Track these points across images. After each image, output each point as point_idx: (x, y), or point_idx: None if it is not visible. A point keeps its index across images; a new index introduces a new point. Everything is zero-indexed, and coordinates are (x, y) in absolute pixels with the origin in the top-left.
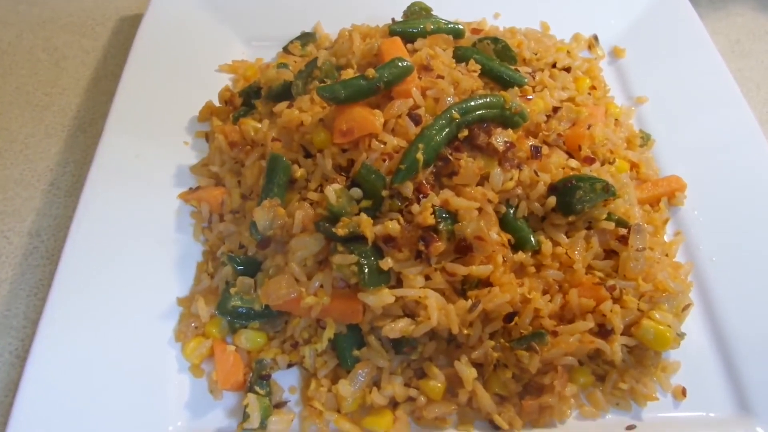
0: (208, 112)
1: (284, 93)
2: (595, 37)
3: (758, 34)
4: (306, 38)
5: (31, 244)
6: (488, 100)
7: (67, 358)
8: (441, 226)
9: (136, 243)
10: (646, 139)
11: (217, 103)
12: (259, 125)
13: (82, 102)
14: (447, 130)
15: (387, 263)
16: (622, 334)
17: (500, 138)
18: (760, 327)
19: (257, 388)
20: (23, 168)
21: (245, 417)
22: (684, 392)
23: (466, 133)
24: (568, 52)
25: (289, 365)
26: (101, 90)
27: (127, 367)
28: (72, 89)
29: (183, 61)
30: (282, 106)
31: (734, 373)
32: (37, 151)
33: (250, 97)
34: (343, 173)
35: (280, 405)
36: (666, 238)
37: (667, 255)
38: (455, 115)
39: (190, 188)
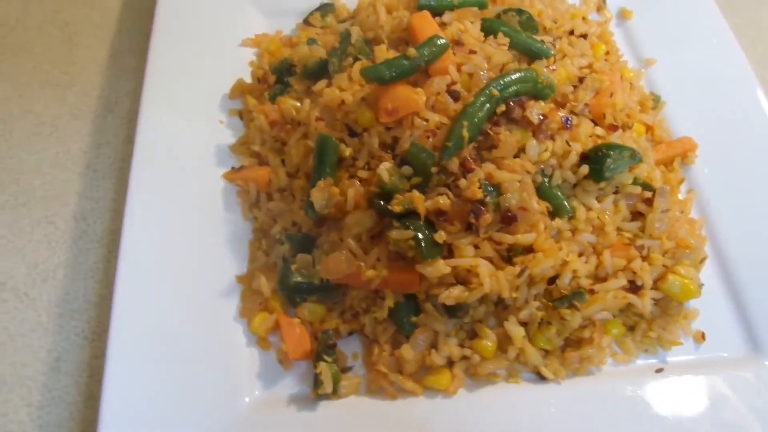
0: (239, 90)
1: (320, 70)
2: None
3: None
4: (326, 9)
5: (79, 228)
6: (523, 74)
7: (142, 342)
8: (488, 198)
9: (188, 225)
10: (656, 101)
11: (245, 79)
12: (299, 104)
13: (104, 80)
14: (488, 106)
15: (441, 236)
16: (650, 288)
17: (534, 111)
18: (767, 274)
19: (325, 357)
20: (57, 150)
21: (318, 384)
22: (703, 336)
23: (503, 108)
24: (583, 18)
25: (349, 333)
26: (121, 67)
27: (200, 345)
28: (90, 67)
29: (204, 37)
30: (321, 85)
31: (745, 317)
32: (67, 133)
33: (282, 74)
34: (388, 150)
35: (345, 370)
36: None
37: (682, 212)
38: (495, 91)
39: (233, 168)
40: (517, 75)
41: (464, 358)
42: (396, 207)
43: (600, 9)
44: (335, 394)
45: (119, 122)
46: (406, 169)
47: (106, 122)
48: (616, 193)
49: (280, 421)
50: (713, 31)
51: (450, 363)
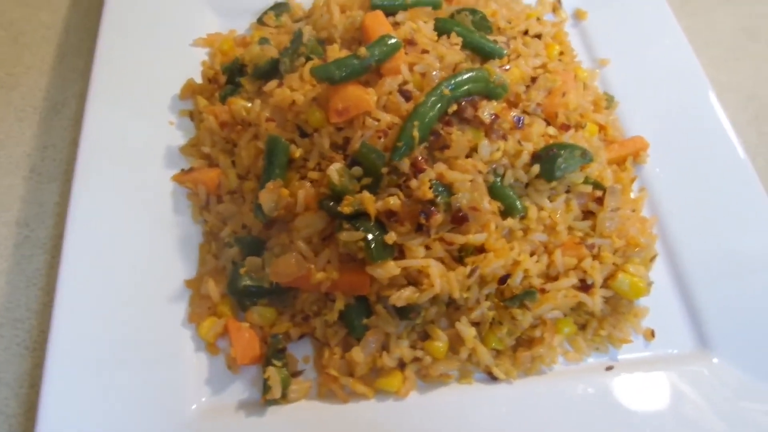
0: (189, 90)
1: (271, 70)
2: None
3: None
4: (280, 8)
5: (21, 234)
6: (475, 74)
7: (85, 349)
8: (439, 198)
9: (136, 229)
10: (610, 101)
11: (197, 80)
12: (250, 105)
13: (50, 81)
14: (439, 105)
15: (392, 237)
16: (600, 287)
17: (486, 111)
18: (715, 272)
19: (274, 361)
20: None
21: (267, 389)
22: (653, 333)
23: (455, 107)
24: (537, 19)
25: (300, 337)
26: (68, 67)
27: (145, 352)
28: (37, 68)
29: (155, 36)
30: (272, 85)
31: (694, 314)
32: (10, 135)
33: (234, 74)
34: (339, 151)
35: (296, 374)
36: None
37: (633, 210)
38: (446, 91)
39: (183, 170)
40: (468, 75)
41: (416, 359)
42: (346, 208)
43: (556, 10)
44: (284, 398)
45: (66, 124)
46: (357, 170)
47: (52, 124)
48: (567, 192)
49: (228, 428)
50: (666, 33)
51: (401, 365)
